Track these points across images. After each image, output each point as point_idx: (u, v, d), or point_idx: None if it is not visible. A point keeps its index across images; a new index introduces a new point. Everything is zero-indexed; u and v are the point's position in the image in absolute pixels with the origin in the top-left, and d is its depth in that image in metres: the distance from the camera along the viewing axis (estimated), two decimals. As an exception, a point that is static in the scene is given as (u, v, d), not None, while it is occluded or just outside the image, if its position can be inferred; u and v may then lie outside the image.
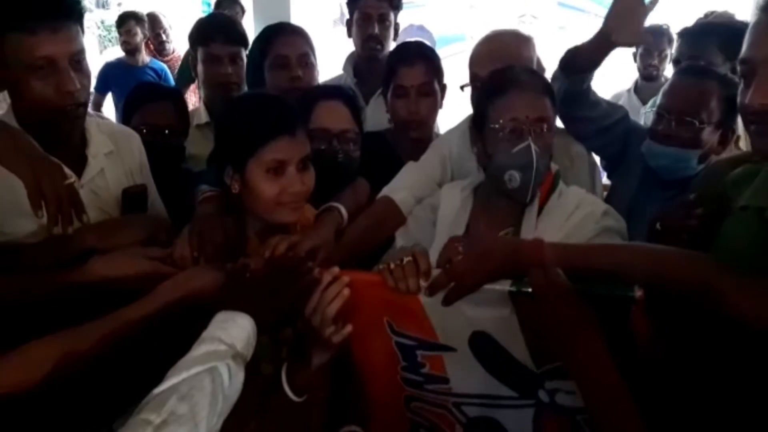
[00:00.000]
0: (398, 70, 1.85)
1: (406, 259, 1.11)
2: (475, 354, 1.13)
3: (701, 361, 1.05)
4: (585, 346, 0.94)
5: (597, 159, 1.96)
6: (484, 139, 1.40)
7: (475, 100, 1.62)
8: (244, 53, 2.14)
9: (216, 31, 2.10)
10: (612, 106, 1.96)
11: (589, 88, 1.80)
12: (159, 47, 4.72)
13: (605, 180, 2.07)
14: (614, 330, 0.96)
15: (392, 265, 1.12)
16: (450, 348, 1.15)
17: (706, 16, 2.56)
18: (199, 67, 2.16)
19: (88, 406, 1.13)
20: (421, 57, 1.87)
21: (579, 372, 0.95)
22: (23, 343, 1.05)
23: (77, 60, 1.28)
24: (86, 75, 1.33)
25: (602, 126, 1.85)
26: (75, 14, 1.28)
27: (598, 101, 1.87)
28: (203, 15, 4.21)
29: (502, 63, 1.61)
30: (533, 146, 1.31)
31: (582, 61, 1.67)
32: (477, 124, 1.45)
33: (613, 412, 0.89)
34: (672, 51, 2.29)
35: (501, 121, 1.35)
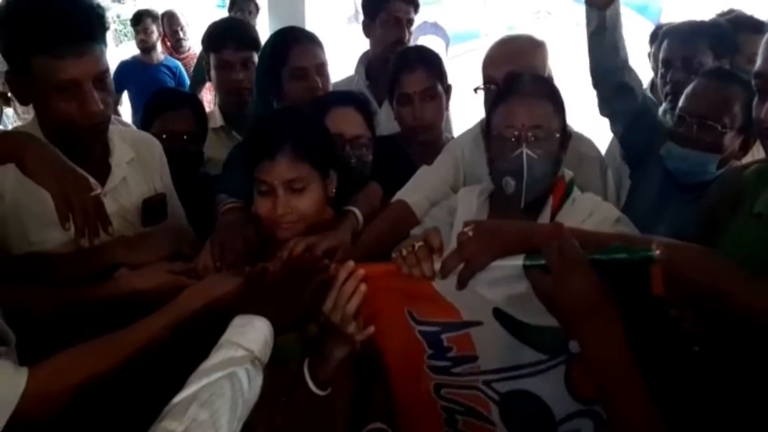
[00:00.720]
0: (400, 78, 1.87)
1: (417, 245, 1.11)
2: (501, 323, 1.12)
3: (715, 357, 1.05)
4: (600, 321, 0.90)
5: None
6: (488, 145, 1.44)
7: (487, 105, 1.64)
8: (257, 57, 2.15)
9: (227, 38, 2.13)
10: (650, 99, 2.00)
11: (627, 61, 1.79)
12: (176, 44, 4.74)
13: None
14: (634, 297, 0.93)
15: (404, 252, 1.12)
16: (476, 323, 1.14)
17: (723, 14, 2.54)
18: (212, 72, 2.20)
19: (112, 416, 1.17)
20: (421, 62, 1.88)
21: (592, 349, 0.91)
22: (53, 353, 1.08)
23: (101, 80, 1.31)
24: (110, 92, 1.36)
25: (642, 106, 1.84)
26: (99, 36, 1.31)
27: (638, 80, 1.87)
28: (218, 12, 4.22)
29: (515, 66, 1.63)
30: (525, 153, 1.33)
31: None
32: (485, 130, 1.48)
33: (623, 393, 0.87)
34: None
35: (499, 128, 1.39)
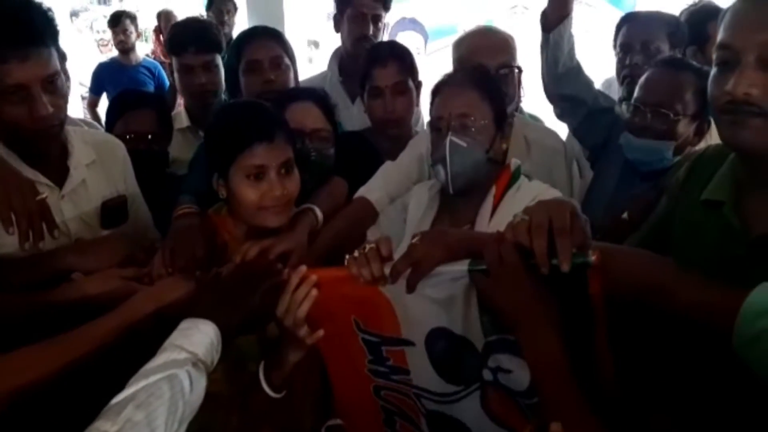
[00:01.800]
0: (372, 72, 1.88)
1: (368, 247, 1.13)
2: (428, 352, 1.16)
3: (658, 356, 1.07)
4: (535, 323, 0.94)
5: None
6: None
7: None
8: (219, 59, 2.16)
9: (188, 41, 2.12)
10: (603, 95, 2.05)
11: (578, 65, 1.91)
12: (168, 41, 4.73)
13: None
14: (572, 298, 0.96)
15: (356, 253, 1.13)
16: (410, 342, 1.17)
17: (694, 5, 2.55)
18: (176, 75, 2.20)
19: (55, 417, 1.17)
20: (394, 57, 1.89)
21: (528, 348, 0.96)
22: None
23: (50, 82, 1.30)
24: (61, 95, 1.34)
25: (592, 110, 1.93)
26: (46, 39, 1.29)
27: (589, 83, 1.98)
28: (204, 10, 4.19)
29: (480, 59, 1.69)
30: (449, 140, 1.36)
31: (551, 13, 1.84)
32: None
33: (556, 390, 0.91)
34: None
35: (432, 119, 1.44)
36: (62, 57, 1.38)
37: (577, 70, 1.94)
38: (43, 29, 1.29)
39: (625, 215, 1.31)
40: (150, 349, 1.00)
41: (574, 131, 2.01)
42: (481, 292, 1.02)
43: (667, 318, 1.00)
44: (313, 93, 1.73)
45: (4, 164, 1.20)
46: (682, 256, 1.08)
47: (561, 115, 2.06)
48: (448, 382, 1.18)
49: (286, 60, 2.03)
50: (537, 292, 0.96)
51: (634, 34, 2.12)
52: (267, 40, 2.02)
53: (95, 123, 2.58)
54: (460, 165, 1.37)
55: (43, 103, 1.28)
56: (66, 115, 1.43)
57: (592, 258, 0.93)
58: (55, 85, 1.32)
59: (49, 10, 1.33)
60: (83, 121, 2.56)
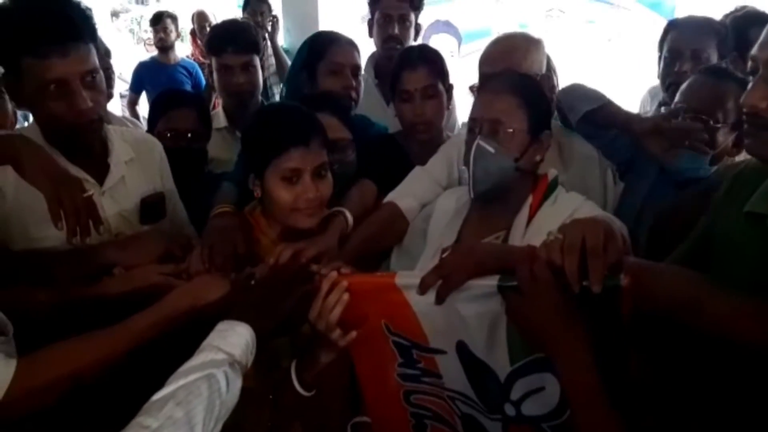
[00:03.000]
0: (402, 75, 1.88)
1: None
2: (460, 358, 1.16)
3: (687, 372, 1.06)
4: (566, 341, 0.94)
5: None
6: None
7: None
8: (257, 59, 2.21)
9: (227, 41, 2.17)
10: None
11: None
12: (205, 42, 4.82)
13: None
14: (603, 319, 0.96)
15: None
16: (441, 351, 1.18)
17: (736, 11, 2.50)
18: (214, 75, 2.24)
19: (95, 412, 1.21)
20: (424, 60, 1.89)
21: (560, 365, 0.96)
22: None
23: (90, 78, 1.34)
24: (100, 91, 1.39)
25: (616, 134, 1.83)
26: (85, 35, 1.34)
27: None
28: (239, 12, 4.26)
29: (507, 64, 1.66)
30: (476, 144, 1.34)
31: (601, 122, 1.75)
32: None
33: (589, 409, 0.91)
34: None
35: (468, 121, 1.42)
36: (106, 53, 1.43)
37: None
38: (83, 26, 1.33)
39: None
40: (186, 348, 1.04)
41: (603, 150, 1.88)
42: (511, 309, 1.02)
43: (701, 335, 0.99)
44: (328, 102, 1.75)
45: (54, 162, 1.25)
46: (723, 270, 1.07)
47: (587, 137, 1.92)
48: (477, 394, 1.19)
49: (361, 71, 2.11)
50: (568, 310, 0.96)
51: (684, 41, 2.07)
52: (351, 48, 2.08)
53: (137, 121, 2.64)
54: (484, 170, 1.35)
55: (83, 97, 1.32)
56: (105, 112, 1.48)
57: (624, 281, 0.92)
58: (94, 80, 1.36)
59: (88, 8, 1.38)
60: (127, 119, 2.63)
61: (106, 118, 1.49)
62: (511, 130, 1.36)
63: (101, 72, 1.39)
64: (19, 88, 1.35)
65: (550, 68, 1.97)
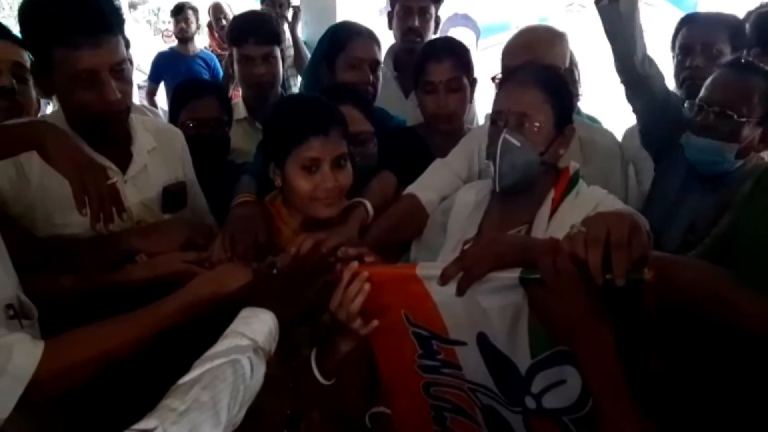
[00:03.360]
0: (427, 67, 1.87)
1: None
2: (480, 350, 1.16)
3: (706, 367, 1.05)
4: (590, 333, 0.94)
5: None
6: None
7: None
8: (278, 51, 2.21)
9: (249, 32, 2.18)
10: (674, 93, 1.98)
11: (647, 56, 1.80)
12: (221, 34, 4.81)
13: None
14: (625, 313, 0.96)
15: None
16: (461, 342, 1.18)
17: (762, 6, 2.47)
18: (235, 66, 2.25)
19: (123, 396, 1.22)
20: (449, 53, 1.89)
21: (582, 359, 0.96)
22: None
23: (119, 69, 1.36)
24: (127, 82, 1.40)
25: (666, 98, 1.84)
26: (115, 27, 1.36)
27: (662, 74, 1.87)
28: (258, 5, 4.28)
29: (531, 57, 1.65)
30: (503, 137, 1.33)
31: None
32: None
33: (613, 400, 0.91)
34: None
35: (491, 114, 1.41)
36: (127, 44, 1.44)
37: (649, 55, 1.83)
38: (113, 18, 1.35)
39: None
40: (209, 335, 1.05)
41: (641, 117, 1.91)
42: (534, 301, 1.02)
43: (724, 328, 0.98)
44: (349, 94, 1.75)
45: (80, 148, 1.26)
46: (747, 268, 1.06)
47: (632, 97, 1.92)
48: (497, 386, 1.19)
49: (381, 66, 2.12)
50: (591, 303, 0.95)
51: (695, 36, 2.06)
52: (372, 42, 2.08)
53: (158, 111, 2.66)
54: (510, 164, 1.34)
55: (112, 88, 1.34)
56: (132, 101, 1.49)
57: (648, 275, 0.92)
58: (122, 71, 1.37)
59: (117, 1, 1.40)
60: (147, 108, 2.65)
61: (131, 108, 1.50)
62: (537, 124, 1.35)
63: (128, 62, 1.40)
64: (49, 78, 1.37)
65: (571, 62, 1.96)
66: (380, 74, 2.13)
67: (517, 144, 1.33)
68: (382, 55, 2.49)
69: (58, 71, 1.33)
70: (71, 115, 1.42)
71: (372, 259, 1.21)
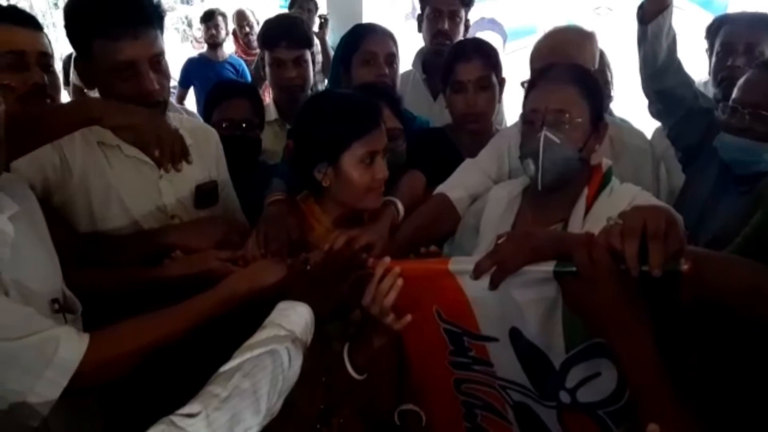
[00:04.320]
0: (455, 66, 1.88)
1: None
2: (513, 345, 1.16)
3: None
4: (627, 326, 0.94)
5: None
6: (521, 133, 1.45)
7: None
8: (309, 54, 2.24)
9: (281, 36, 2.20)
10: (703, 96, 1.98)
11: (678, 61, 1.85)
12: (246, 42, 4.89)
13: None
14: (663, 306, 0.96)
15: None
16: (492, 338, 1.18)
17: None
18: (267, 69, 2.28)
19: (159, 386, 1.26)
20: (478, 52, 1.90)
21: (621, 351, 0.95)
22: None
23: (157, 61, 1.40)
24: (165, 75, 1.45)
25: (690, 108, 1.86)
26: (154, 20, 1.40)
27: (689, 80, 1.91)
28: (281, 12, 4.34)
29: (560, 58, 1.65)
30: (543, 134, 1.34)
31: (649, 5, 1.77)
32: None
33: (652, 391, 0.90)
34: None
35: (526, 113, 1.41)
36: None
37: (677, 66, 1.86)
38: (152, 11, 1.39)
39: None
40: (245, 328, 1.07)
41: (669, 130, 1.93)
42: (569, 294, 1.02)
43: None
44: (378, 91, 1.75)
45: (137, 108, 1.31)
46: None
47: (657, 114, 1.98)
48: (531, 382, 1.19)
49: (398, 60, 2.13)
50: (628, 294, 0.94)
51: (738, 35, 2.03)
52: (384, 36, 2.11)
53: (194, 112, 2.71)
54: (551, 161, 1.35)
55: (151, 79, 1.38)
56: (169, 95, 1.53)
57: (685, 266, 0.91)
58: (160, 64, 1.41)
59: None
60: (184, 110, 2.70)
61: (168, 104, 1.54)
62: (576, 120, 1.36)
63: (165, 57, 1.44)
64: (90, 69, 1.41)
65: (603, 63, 1.96)
66: (397, 68, 2.14)
67: (557, 141, 1.34)
68: (408, 56, 2.52)
69: (99, 63, 1.37)
70: None
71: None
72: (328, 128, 1.41)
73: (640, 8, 1.83)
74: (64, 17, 1.41)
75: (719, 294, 0.98)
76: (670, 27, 1.81)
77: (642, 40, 1.82)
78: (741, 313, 0.98)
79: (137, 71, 1.37)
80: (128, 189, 1.51)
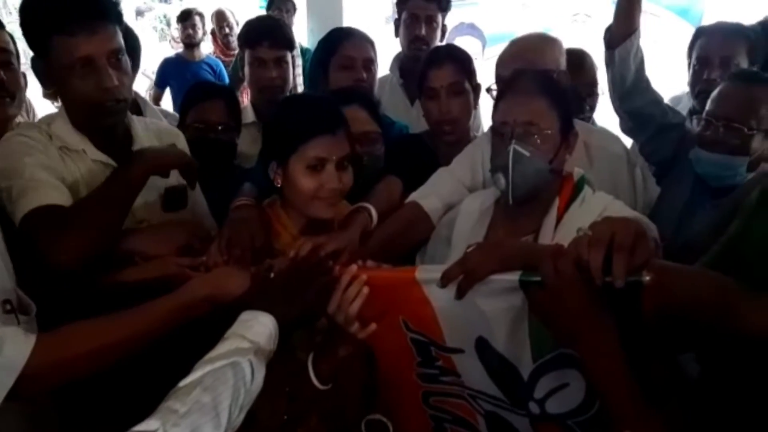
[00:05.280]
0: (428, 73, 1.87)
1: None
2: (479, 356, 1.15)
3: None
4: (592, 336, 0.94)
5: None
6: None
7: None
8: (290, 56, 2.21)
9: (263, 35, 2.17)
10: (672, 110, 2.00)
11: (647, 81, 1.86)
12: (225, 42, 4.84)
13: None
14: (625, 313, 0.96)
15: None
16: (458, 350, 1.17)
17: (768, 18, 2.45)
18: (246, 69, 2.24)
19: (119, 399, 1.21)
20: (450, 58, 1.89)
21: (587, 360, 0.95)
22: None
23: (116, 58, 1.36)
24: (125, 72, 1.39)
25: (661, 125, 1.87)
26: (112, 15, 1.36)
27: (658, 99, 1.93)
28: (260, 12, 4.31)
29: (523, 64, 1.65)
30: (512, 148, 1.32)
31: (616, 29, 1.79)
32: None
33: (621, 398, 0.90)
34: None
35: (495, 125, 1.39)
36: (134, 49, 1.44)
37: (646, 85, 1.88)
38: (109, 6, 1.35)
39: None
40: (208, 339, 1.04)
41: (640, 148, 1.95)
42: (535, 304, 1.01)
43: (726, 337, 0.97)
44: (356, 95, 1.74)
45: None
46: (756, 276, 1.04)
47: (629, 131, 2.01)
48: (501, 391, 1.17)
49: (375, 65, 2.11)
50: (593, 305, 0.94)
51: (714, 48, 2.05)
52: (363, 42, 2.09)
53: (171, 113, 2.65)
54: (521, 175, 1.33)
55: (109, 75, 1.33)
56: (130, 94, 1.49)
57: (647, 278, 0.91)
58: (119, 61, 1.37)
59: None
60: (163, 111, 2.66)
61: (135, 101, 1.50)
62: (545, 132, 1.34)
63: (126, 54, 1.40)
64: (47, 68, 1.36)
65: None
66: (375, 73, 2.13)
67: (527, 154, 1.32)
68: (388, 60, 2.50)
69: (55, 60, 1.33)
70: (70, 106, 1.42)
71: (372, 264, 1.19)
72: (280, 128, 1.40)
73: (608, 31, 1.84)
74: (20, 15, 1.36)
75: (682, 307, 0.98)
76: (638, 49, 1.83)
77: (610, 63, 1.84)
78: (705, 325, 0.98)
79: (95, 67, 1.33)
80: None
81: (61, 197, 1.34)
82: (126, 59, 1.39)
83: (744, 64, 2.01)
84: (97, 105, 1.37)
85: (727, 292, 0.96)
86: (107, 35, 1.33)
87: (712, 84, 1.92)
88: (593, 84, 2.22)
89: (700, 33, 2.16)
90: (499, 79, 1.76)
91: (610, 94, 1.92)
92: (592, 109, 2.25)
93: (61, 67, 1.33)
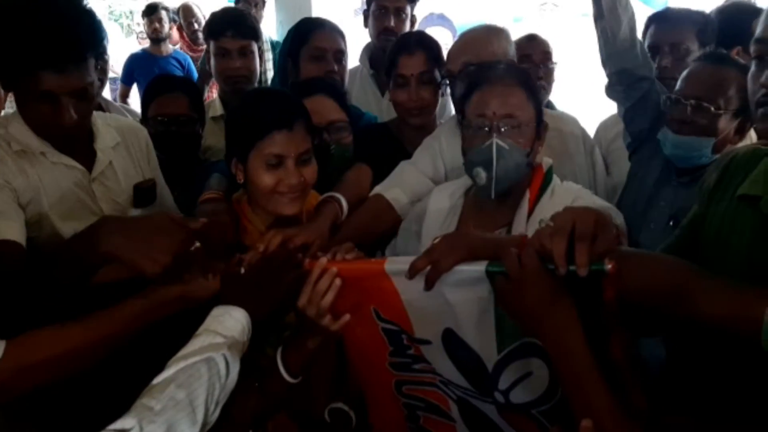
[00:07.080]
0: (398, 60, 1.87)
1: None
2: (446, 348, 1.15)
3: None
4: (556, 323, 0.95)
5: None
6: (463, 136, 1.42)
7: (454, 98, 1.68)
8: (255, 46, 2.19)
9: (226, 25, 2.15)
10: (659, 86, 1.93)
11: (637, 38, 1.78)
12: (192, 37, 4.76)
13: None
14: (588, 302, 0.97)
15: None
16: (426, 341, 1.17)
17: (725, 5, 2.49)
18: (212, 60, 2.22)
19: (96, 398, 1.19)
20: (421, 46, 1.88)
21: (552, 348, 0.96)
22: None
23: (81, 94, 1.32)
24: (89, 101, 1.36)
25: (648, 92, 1.82)
26: (86, 53, 1.31)
27: (650, 63, 1.87)
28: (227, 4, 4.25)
29: (471, 56, 1.67)
30: (495, 142, 1.31)
31: None
32: (460, 121, 1.46)
33: (584, 386, 0.91)
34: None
35: (471, 117, 1.37)
36: (101, 55, 1.39)
37: (640, 44, 1.81)
38: (86, 42, 1.31)
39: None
40: (180, 336, 1.03)
41: (625, 112, 1.89)
42: (500, 294, 1.02)
43: (687, 324, 0.98)
44: (323, 85, 1.73)
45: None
46: (714, 258, 1.06)
47: (615, 95, 1.90)
48: (468, 381, 1.18)
49: (346, 57, 2.10)
50: (557, 294, 0.95)
51: (663, 35, 2.05)
52: (333, 33, 2.07)
53: (136, 111, 2.61)
54: (504, 169, 1.31)
55: (69, 113, 1.31)
56: (91, 115, 1.45)
57: (608, 266, 0.92)
58: (86, 94, 1.34)
59: (92, 21, 1.34)
60: (125, 108, 2.61)
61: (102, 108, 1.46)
62: (524, 125, 1.34)
63: (96, 83, 1.37)
64: (11, 76, 1.33)
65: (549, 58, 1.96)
66: (346, 64, 2.12)
67: (507, 147, 1.32)
68: (357, 52, 2.48)
69: (21, 82, 1.30)
70: (30, 124, 1.39)
71: (352, 255, 1.18)
72: (237, 124, 1.38)
73: None
74: None
75: (641, 293, 0.98)
76: (627, 2, 1.74)
77: (599, 16, 1.73)
78: (663, 312, 0.98)
79: (57, 103, 1.30)
80: (59, 197, 1.42)
81: (13, 231, 1.29)
82: (92, 89, 1.36)
83: (694, 47, 2.01)
84: (51, 130, 1.35)
85: (683, 276, 0.96)
86: (77, 74, 1.30)
87: (664, 72, 1.95)
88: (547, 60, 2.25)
89: (651, 20, 2.16)
90: (449, 74, 1.76)
91: (601, 52, 1.81)
92: (547, 93, 2.28)
93: (22, 92, 1.31)
